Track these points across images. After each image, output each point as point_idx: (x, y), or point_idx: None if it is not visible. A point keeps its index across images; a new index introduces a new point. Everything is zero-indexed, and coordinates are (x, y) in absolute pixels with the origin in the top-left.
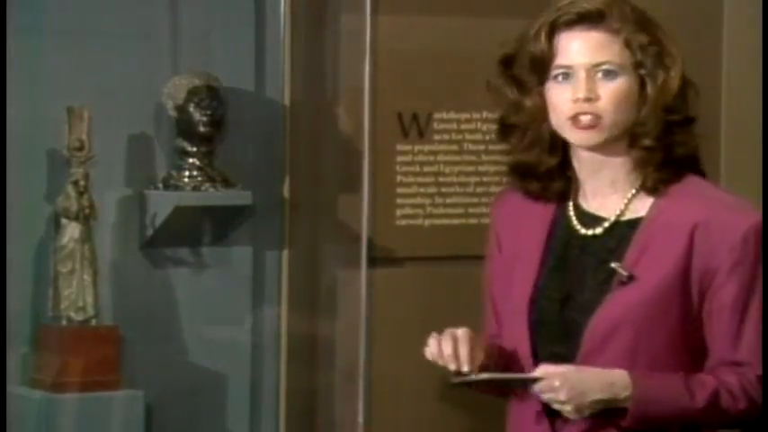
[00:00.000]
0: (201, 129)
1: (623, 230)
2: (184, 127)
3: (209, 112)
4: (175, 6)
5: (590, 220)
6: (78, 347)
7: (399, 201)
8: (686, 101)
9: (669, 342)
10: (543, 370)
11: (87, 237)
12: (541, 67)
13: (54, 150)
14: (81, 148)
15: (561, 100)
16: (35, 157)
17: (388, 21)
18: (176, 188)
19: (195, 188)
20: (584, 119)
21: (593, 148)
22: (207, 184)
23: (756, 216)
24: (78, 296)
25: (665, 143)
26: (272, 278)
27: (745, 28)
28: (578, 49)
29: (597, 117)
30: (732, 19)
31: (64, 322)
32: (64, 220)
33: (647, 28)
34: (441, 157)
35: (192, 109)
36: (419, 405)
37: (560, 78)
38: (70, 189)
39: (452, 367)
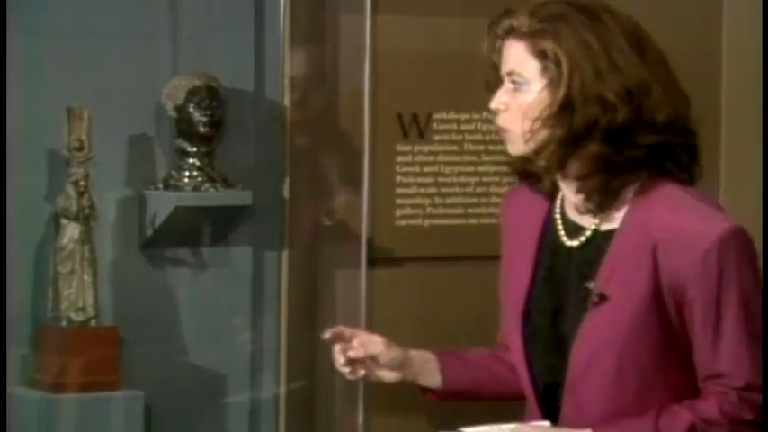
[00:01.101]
0: (201, 129)
1: (600, 242)
2: (184, 127)
3: (208, 113)
4: (175, 7)
5: (573, 229)
6: (78, 348)
7: (399, 201)
8: (596, 111)
9: (655, 361)
10: (519, 429)
11: (87, 237)
12: (497, 71)
13: (54, 151)
14: (81, 149)
15: None
16: (35, 158)
17: (387, 21)
18: (176, 188)
19: (195, 188)
20: (500, 129)
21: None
22: (207, 185)
23: (722, 227)
24: (78, 296)
25: (575, 156)
26: (272, 278)
27: (745, 27)
28: (503, 57)
29: (504, 130)
30: (732, 18)
31: (64, 323)
32: (64, 221)
33: (555, 38)
34: (441, 158)
35: (191, 109)
36: (419, 405)
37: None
38: (70, 189)
39: (347, 370)
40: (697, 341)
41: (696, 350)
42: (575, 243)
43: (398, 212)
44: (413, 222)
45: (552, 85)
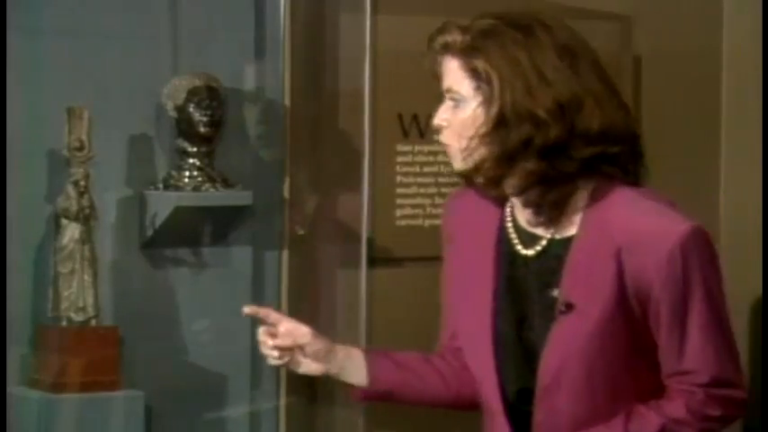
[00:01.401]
0: (201, 129)
1: (558, 250)
2: (184, 127)
3: (209, 113)
4: (175, 7)
5: (528, 238)
6: (78, 348)
7: (399, 201)
8: (528, 129)
9: (625, 364)
10: None
11: (87, 237)
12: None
13: (54, 151)
14: (81, 149)
15: None
16: (35, 158)
17: (387, 21)
18: (176, 188)
19: (195, 188)
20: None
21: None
22: (207, 185)
23: (682, 229)
24: (78, 296)
25: (512, 172)
26: (272, 278)
27: (745, 27)
28: (442, 73)
29: (446, 145)
30: (732, 18)
31: (64, 323)
32: (64, 221)
33: (486, 55)
34: (441, 158)
35: (191, 109)
36: (419, 409)
37: None
38: (70, 189)
39: (275, 354)
40: (663, 340)
41: (661, 349)
42: (531, 252)
43: (398, 212)
44: (413, 222)
45: (486, 102)
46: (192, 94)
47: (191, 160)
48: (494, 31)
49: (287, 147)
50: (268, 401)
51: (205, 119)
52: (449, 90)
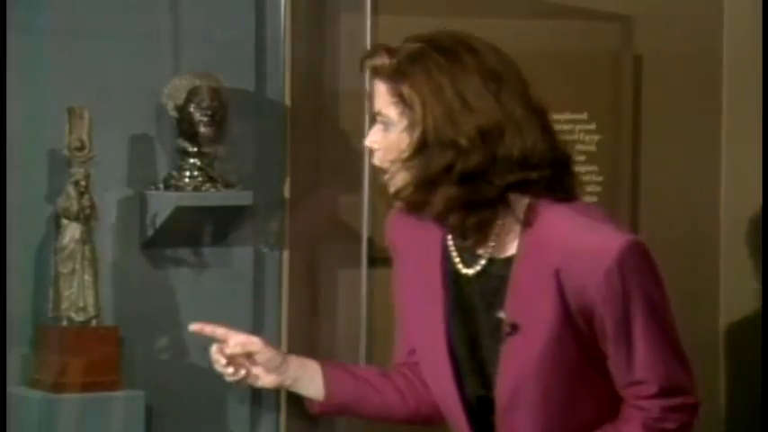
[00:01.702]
0: (202, 129)
1: (500, 270)
2: (185, 127)
3: (209, 113)
4: (176, 6)
5: (469, 257)
6: (79, 348)
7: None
8: (449, 155)
9: (579, 377)
10: None
11: (88, 237)
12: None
13: (54, 151)
14: (81, 149)
15: None
16: (36, 158)
17: (388, 21)
18: (177, 188)
19: (196, 188)
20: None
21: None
22: (207, 185)
23: (617, 243)
24: (79, 296)
25: (433, 197)
26: (273, 278)
27: (745, 27)
28: (374, 94)
29: (379, 167)
30: (732, 18)
31: (64, 323)
32: (64, 221)
33: (411, 82)
34: None
35: (192, 109)
36: None
37: None
38: (71, 189)
39: (229, 371)
40: (611, 354)
41: (611, 362)
42: (471, 272)
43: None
44: None
45: (410, 127)
46: (192, 94)
47: (191, 160)
48: (419, 56)
49: (287, 147)
50: (268, 401)
51: (206, 119)
52: (378, 113)
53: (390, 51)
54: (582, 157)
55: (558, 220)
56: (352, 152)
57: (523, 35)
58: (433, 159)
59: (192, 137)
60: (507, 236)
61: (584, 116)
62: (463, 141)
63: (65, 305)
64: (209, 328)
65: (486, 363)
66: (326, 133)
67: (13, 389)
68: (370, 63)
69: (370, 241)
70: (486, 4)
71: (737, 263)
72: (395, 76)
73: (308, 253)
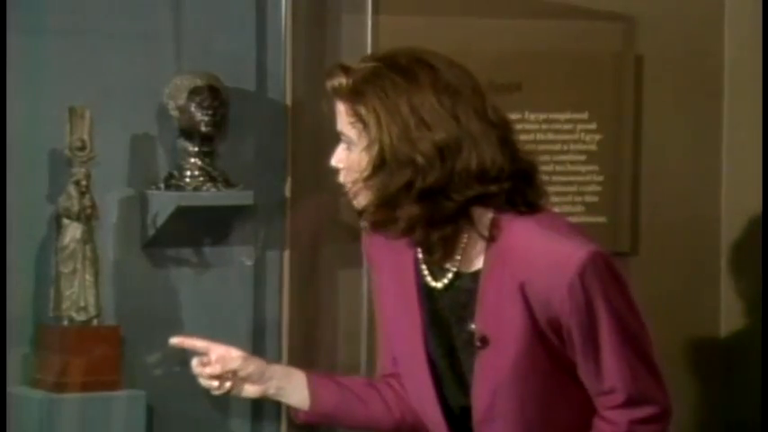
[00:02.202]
0: (203, 128)
1: (468, 283)
2: (186, 127)
3: (210, 112)
4: (177, 6)
5: (438, 270)
6: (80, 347)
7: None
8: (407, 173)
9: (553, 387)
10: None
11: (89, 237)
12: None
13: (55, 150)
14: (83, 148)
15: None
16: (37, 157)
17: (389, 21)
18: (178, 188)
19: (197, 188)
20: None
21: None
22: (208, 184)
23: (578, 255)
24: (80, 296)
25: (395, 214)
26: (274, 278)
27: (747, 27)
28: (337, 116)
29: (343, 185)
30: (733, 18)
31: (65, 322)
32: (65, 221)
33: (366, 102)
34: None
35: (193, 109)
36: None
37: None
38: (72, 189)
39: (214, 384)
40: (580, 364)
41: (581, 372)
42: (440, 285)
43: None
44: None
45: (369, 146)
46: (193, 93)
47: (192, 160)
48: (374, 76)
49: (288, 146)
50: (269, 401)
51: (207, 118)
52: (340, 132)
53: (347, 71)
54: (582, 157)
55: (520, 234)
56: None
57: (524, 35)
58: (393, 178)
59: (193, 136)
60: (473, 250)
61: (584, 116)
62: (420, 159)
63: (66, 305)
64: (188, 342)
65: (465, 374)
66: (327, 133)
67: (14, 388)
68: (329, 84)
69: None
70: (486, 3)
71: (738, 263)
72: (352, 96)
73: (308, 253)
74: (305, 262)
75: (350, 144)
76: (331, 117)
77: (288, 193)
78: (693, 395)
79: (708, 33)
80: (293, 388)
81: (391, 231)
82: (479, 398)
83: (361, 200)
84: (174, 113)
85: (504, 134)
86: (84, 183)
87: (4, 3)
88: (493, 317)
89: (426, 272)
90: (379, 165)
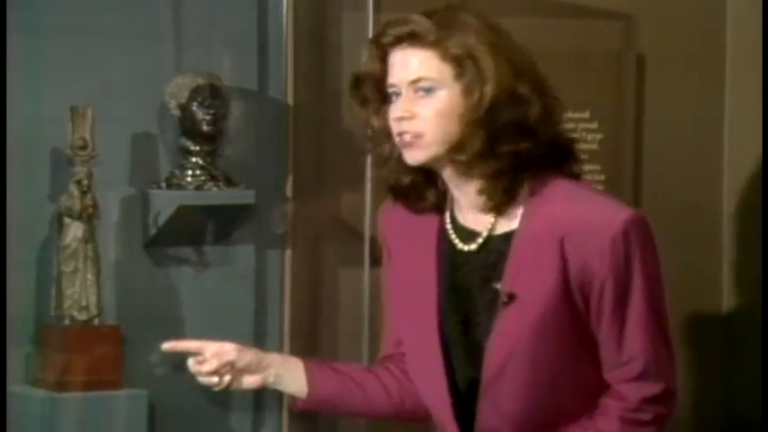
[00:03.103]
0: (204, 128)
1: (499, 245)
2: (187, 126)
3: (212, 111)
4: (178, 5)
5: (467, 235)
6: (81, 347)
7: None
8: (519, 112)
9: (567, 353)
10: None
11: (90, 236)
12: (379, 86)
13: (57, 149)
14: (84, 147)
15: (391, 119)
16: (38, 156)
17: (390, 19)
18: (179, 187)
19: (198, 187)
20: (406, 137)
21: (431, 165)
22: (210, 184)
23: (623, 215)
24: (81, 295)
25: (487, 156)
26: (275, 277)
27: (748, 26)
28: (399, 66)
29: (417, 135)
30: (735, 17)
31: (67, 321)
32: (67, 220)
33: (466, 40)
34: None
35: (195, 108)
36: None
37: (393, 97)
38: (73, 188)
39: (214, 380)
40: (604, 330)
41: (602, 341)
42: (472, 247)
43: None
44: None
45: (470, 88)
46: (195, 92)
47: (194, 159)
48: (465, 22)
49: (290, 145)
50: (271, 400)
51: (208, 117)
52: (418, 80)
53: (428, 15)
54: (584, 156)
55: (565, 192)
56: (355, 151)
57: (525, 34)
58: (500, 115)
59: (195, 135)
60: (511, 211)
61: (586, 115)
62: (526, 93)
63: (67, 304)
64: (181, 345)
65: (479, 342)
66: (329, 132)
67: (16, 388)
68: (403, 30)
69: (373, 240)
70: (487, 2)
71: (740, 262)
72: (446, 39)
73: (310, 252)
74: (306, 261)
75: (434, 89)
76: (334, 117)
77: (289, 192)
78: (694, 394)
79: (709, 32)
80: (291, 375)
81: (475, 173)
82: (494, 356)
83: (423, 154)
84: (176, 113)
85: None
86: (85, 182)
87: (4, 2)
88: (523, 274)
89: (455, 238)
90: (491, 102)
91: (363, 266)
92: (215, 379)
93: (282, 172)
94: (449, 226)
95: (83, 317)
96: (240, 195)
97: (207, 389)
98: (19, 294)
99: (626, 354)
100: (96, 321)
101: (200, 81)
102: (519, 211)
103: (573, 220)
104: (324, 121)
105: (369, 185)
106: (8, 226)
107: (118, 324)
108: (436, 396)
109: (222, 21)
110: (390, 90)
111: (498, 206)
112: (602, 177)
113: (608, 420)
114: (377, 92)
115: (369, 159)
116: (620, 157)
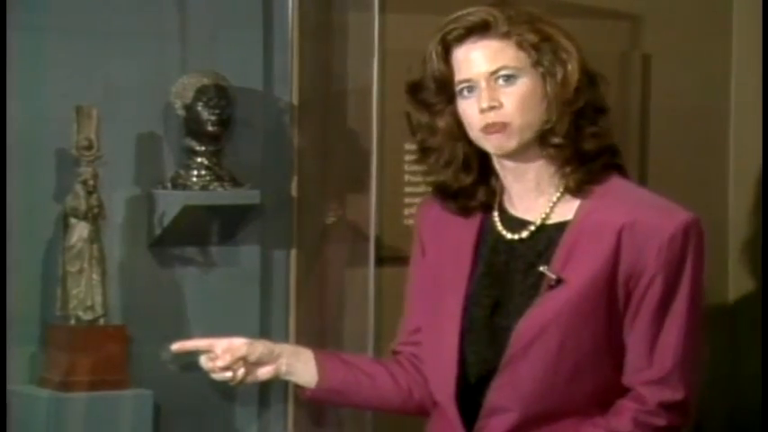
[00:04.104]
0: (210, 128)
1: (551, 234)
2: (193, 126)
3: (217, 111)
4: (184, 5)
5: (517, 224)
6: (86, 347)
7: (407, 200)
8: (593, 92)
9: (594, 345)
10: None
11: (96, 236)
12: (444, 86)
13: (62, 150)
14: (90, 148)
15: (470, 113)
16: (44, 157)
17: (396, 20)
18: (184, 187)
19: (203, 187)
20: (493, 127)
21: (512, 154)
22: (215, 184)
23: (685, 216)
24: (87, 295)
25: (575, 138)
26: (280, 277)
27: (755, 25)
28: (474, 60)
29: (504, 123)
30: (741, 17)
31: (72, 321)
32: (72, 220)
33: (537, 26)
34: None
35: (200, 108)
36: None
37: (465, 93)
38: (79, 188)
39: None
40: (638, 330)
41: (634, 341)
42: (520, 236)
43: (406, 211)
44: None
45: (551, 71)
46: (200, 92)
47: (199, 159)
48: (529, 13)
49: (295, 146)
50: (276, 399)
51: (213, 117)
52: (499, 70)
53: (501, 11)
54: None
55: (625, 189)
56: (360, 151)
57: None
58: (582, 96)
59: (200, 136)
60: (567, 203)
61: None
62: (593, 73)
63: (72, 304)
64: (189, 344)
65: (504, 329)
66: (334, 132)
67: (21, 387)
68: (476, 18)
69: (378, 240)
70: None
71: (746, 264)
72: (523, 29)
73: (315, 252)
74: (312, 261)
75: (516, 77)
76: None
77: (294, 192)
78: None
79: (715, 32)
80: (302, 365)
81: (558, 156)
82: (523, 333)
83: (514, 141)
84: (181, 113)
85: None
86: (91, 182)
87: (4, 2)
88: (573, 260)
89: (502, 227)
90: (574, 86)
91: (369, 266)
92: (229, 374)
93: (288, 172)
94: (496, 218)
95: (88, 317)
96: (245, 195)
97: (212, 389)
98: (24, 294)
99: (655, 354)
100: (102, 321)
101: (206, 81)
102: (576, 203)
103: (635, 213)
104: (329, 121)
105: (374, 185)
106: (14, 226)
107: (123, 324)
108: (444, 377)
109: (227, 20)
110: (462, 86)
111: (584, 182)
112: None
113: (621, 420)
114: (441, 92)
115: (374, 159)
116: (625, 157)
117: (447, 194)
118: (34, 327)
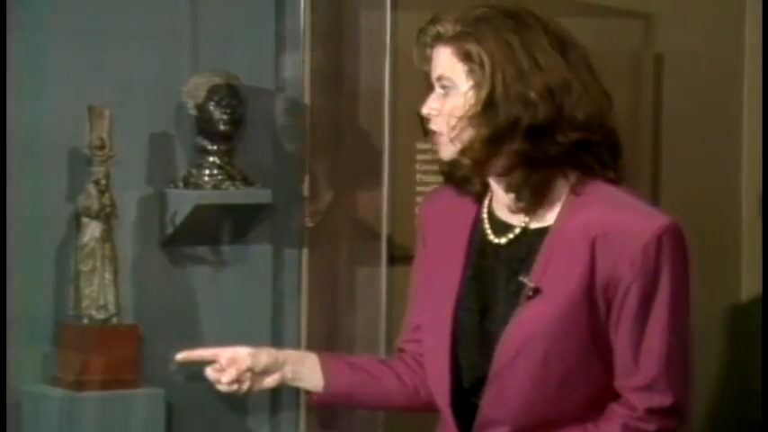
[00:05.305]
0: (221, 127)
1: (531, 239)
2: (204, 125)
3: (229, 111)
4: (196, 4)
5: (501, 227)
6: (99, 346)
7: (419, 199)
8: (518, 107)
9: (580, 353)
10: None
11: (108, 235)
12: (429, 78)
13: (75, 149)
14: (102, 147)
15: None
16: (56, 156)
17: (407, 18)
18: (196, 186)
19: (215, 186)
20: (433, 133)
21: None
22: (227, 183)
23: (660, 222)
24: (99, 295)
25: (497, 153)
26: (292, 276)
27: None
28: (432, 64)
29: (438, 133)
30: (754, 16)
31: (85, 321)
32: (85, 219)
33: (480, 41)
34: None
35: (212, 107)
36: None
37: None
38: (91, 188)
39: (234, 387)
40: (622, 337)
41: (619, 347)
42: (502, 240)
43: (418, 210)
44: None
45: (478, 85)
46: (212, 92)
47: (211, 158)
48: (486, 18)
49: (307, 145)
50: (288, 398)
51: (225, 117)
52: (440, 78)
53: (455, 17)
54: None
55: (605, 194)
56: (372, 150)
57: None
58: (501, 114)
59: (212, 135)
60: (548, 207)
61: None
62: (532, 96)
63: (85, 303)
64: (194, 354)
65: (493, 335)
66: (346, 131)
67: (34, 387)
68: (432, 30)
69: (390, 239)
70: (508, 2)
71: (759, 262)
72: (462, 36)
73: (327, 251)
74: (323, 260)
75: (450, 88)
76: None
77: (306, 191)
78: (711, 396)
79: (728, 31)
80: (308, 371)
81: (485, 175)
82: (508, 345)
83: (464, 138)
84: (193, 112)
85: (605, 90)
86: (103, 181)
87: (4, 3)
88: (551, 270)
89: (489, 229)
90: (489, 102)
91: (381, 265)
92: (235, 386)
93: (299, 171)
94: (485, 217)
95: (101, 316)
96: (257, 194)
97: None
98: (37, 293)
99: (640, 362)
100: (114, 320)
101: (218, 80)
102: (556, 209)
103: (608, 222)
104: (341, 121)
105: (386, 184)
106: (26, 225)
107: (136, 323)
108: (439, 382)
109: (239, 20)
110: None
111: (529, 203)
112: None
113: (610, 426)
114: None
115: (386, 159)
116: (638, 157)
117: (450, 178)
118: (47, 326)
